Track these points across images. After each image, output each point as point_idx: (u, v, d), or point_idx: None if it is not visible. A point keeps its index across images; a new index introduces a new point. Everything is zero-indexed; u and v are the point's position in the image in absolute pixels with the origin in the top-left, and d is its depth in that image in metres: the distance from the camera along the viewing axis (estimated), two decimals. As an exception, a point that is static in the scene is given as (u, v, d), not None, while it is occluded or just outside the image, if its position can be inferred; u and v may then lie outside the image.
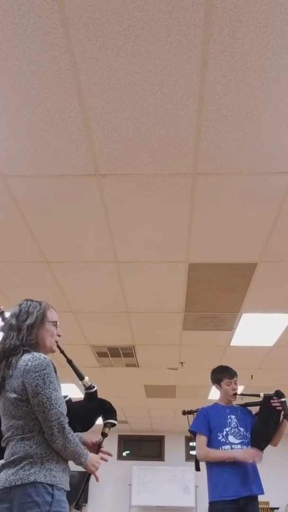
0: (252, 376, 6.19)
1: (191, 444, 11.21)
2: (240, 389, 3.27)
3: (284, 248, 3.25)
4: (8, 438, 1.79)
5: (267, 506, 9.57)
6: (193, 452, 11.14)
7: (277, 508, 9.94)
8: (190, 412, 3.39)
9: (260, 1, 1.66)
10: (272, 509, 9.86)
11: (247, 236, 3.13)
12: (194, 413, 3.31)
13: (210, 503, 3.01)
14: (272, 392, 3.11)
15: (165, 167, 2.49)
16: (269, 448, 3.11)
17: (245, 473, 2.96)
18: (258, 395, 3.16)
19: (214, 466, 3.01)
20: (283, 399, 3.01)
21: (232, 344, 5.18)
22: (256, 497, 2.98)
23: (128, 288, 3.88)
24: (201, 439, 3.08)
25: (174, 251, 3.33)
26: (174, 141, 2.31)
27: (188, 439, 11.13)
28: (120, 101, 2.08)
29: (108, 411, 2.21)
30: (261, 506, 7.17)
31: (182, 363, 5.82)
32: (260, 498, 3.02)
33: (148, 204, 2.81)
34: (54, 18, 1.72)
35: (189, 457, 11.07)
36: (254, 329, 4.78)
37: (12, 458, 1.73)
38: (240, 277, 3.69)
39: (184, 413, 3.44)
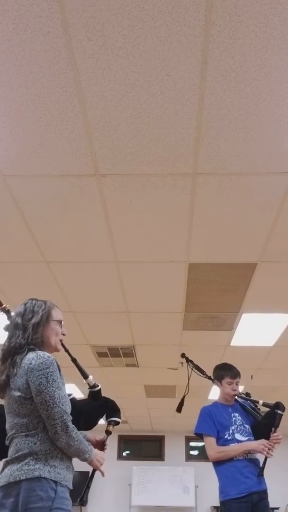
0: (252, 376, 6.19)
1: (191, 444, 11.21)
2: (240, 389, 3.24)
3: (284, 248, 3.26)
4: (12, 435, 1.81)
5: (267, 506, 9.56)
6: (193, 452, 11.19)
7: (277, 508, 9.93)
8: (189, 360, 3.24)
9: (260, 1, 1.66)
10: (272, 509, 9.82)
11: (247, 236, 3.13)
12: (191, 364, 3.19)
13: (223, 503, 2.92)
14: (271, 402, 3.03)
15: (165, 167, 2.49)
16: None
17: (255, 467, 2.94)
18: (257, 402, 3.11)
19: (224, 463, 2.94)
20: (280, 412, 2.92)
21: (232, 344, 5.18)
22: (266, 493, 2.94)
23: (128, 288, 3.88)
24: (210, 440, 3.00)
25: (174, 251, 3.32)
26: (174, 141, 2.31)
27: (188, 439, 11.14)
28: (120, 101, 2.08)
29: (112, 409, 2.25)
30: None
31: (182, 363, 5.79)
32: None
33: (148, 204, 2.81)
34: (54, 18, 1.72)
35: (189, 457, 11.08)
36: (254, 329, 4.78)
37: (16, 455, 1.75)
38: (240, 277, 3.69)
39: (183, 355, 3.30)
